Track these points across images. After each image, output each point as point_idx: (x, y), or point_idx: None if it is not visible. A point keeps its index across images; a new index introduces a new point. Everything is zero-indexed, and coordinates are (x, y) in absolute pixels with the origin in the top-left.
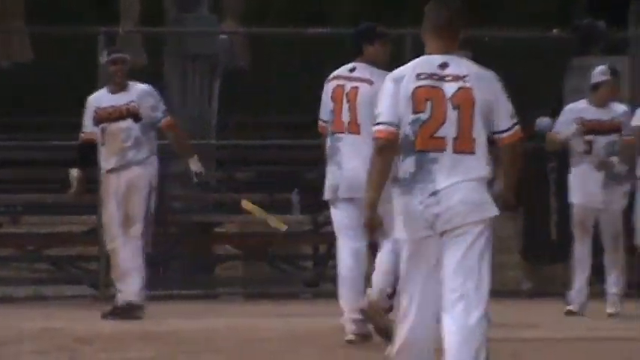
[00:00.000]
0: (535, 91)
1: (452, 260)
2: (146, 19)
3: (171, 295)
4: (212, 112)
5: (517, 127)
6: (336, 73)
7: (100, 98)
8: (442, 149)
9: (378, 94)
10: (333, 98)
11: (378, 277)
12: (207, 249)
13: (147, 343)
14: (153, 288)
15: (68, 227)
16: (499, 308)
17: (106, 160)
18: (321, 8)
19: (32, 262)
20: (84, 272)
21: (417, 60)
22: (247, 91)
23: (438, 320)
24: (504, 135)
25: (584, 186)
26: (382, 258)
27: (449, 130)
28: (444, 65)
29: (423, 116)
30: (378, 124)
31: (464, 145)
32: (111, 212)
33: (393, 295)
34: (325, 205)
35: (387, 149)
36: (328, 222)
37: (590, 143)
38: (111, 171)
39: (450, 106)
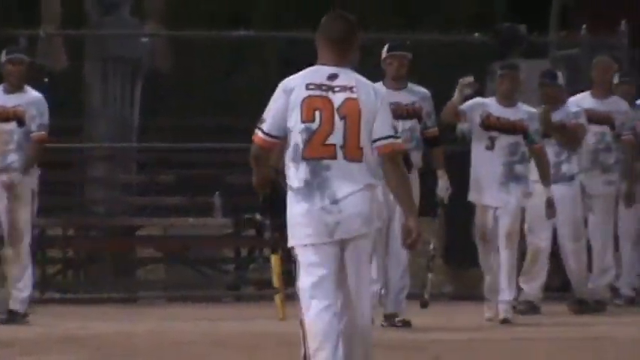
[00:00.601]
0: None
1: (350, 270)
2: (67, 21)
3: (93, 299)
4: (133, 114)
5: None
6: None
7: None
8: (333, 156)
9: None
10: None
11: None
12: (129, 252)
13: (68, 346)
14: (74, 291)
15: None
16: (421, 311)
17: None
18: (238, 9)
19: None
20: None
21: (308, 70)
22: (169, 94)
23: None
24: (378, 144)
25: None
26: None
27: (338, 139)
28: (333, 77)
29: (314, 126)
30: (259, 129)
31: (352, 154)
32: None
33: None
34: (246, 210)
35: (261, 158)
36: (249, 225)
37: (492, 140)
38: None
39: (337, 116)
